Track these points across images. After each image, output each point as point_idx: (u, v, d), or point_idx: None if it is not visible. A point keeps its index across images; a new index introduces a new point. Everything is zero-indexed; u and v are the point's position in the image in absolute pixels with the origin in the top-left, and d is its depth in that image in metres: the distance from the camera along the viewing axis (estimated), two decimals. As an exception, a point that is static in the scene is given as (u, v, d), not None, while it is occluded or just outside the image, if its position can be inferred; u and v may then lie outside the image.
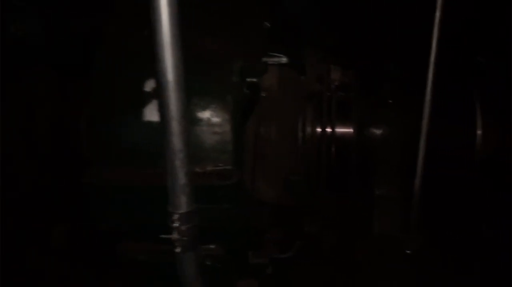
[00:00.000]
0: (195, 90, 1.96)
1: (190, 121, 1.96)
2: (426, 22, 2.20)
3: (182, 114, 1.62)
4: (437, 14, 2.16)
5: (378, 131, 2.57)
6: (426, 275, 2.59)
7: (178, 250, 1.78)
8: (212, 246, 2.13)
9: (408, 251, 2.55)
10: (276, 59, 2.12)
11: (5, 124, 2.06)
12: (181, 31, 1.55)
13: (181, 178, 1.69)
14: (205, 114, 1.97)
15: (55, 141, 2.26)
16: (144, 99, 1.96)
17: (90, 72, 2.06)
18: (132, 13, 2.05)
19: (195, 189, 1.91)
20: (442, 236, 2.65)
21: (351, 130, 2.44)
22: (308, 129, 2.26)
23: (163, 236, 1.80)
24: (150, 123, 1.94)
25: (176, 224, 1.75)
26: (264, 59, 2.09)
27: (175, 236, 1.75)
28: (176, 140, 1.64)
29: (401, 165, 2.58)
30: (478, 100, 2.64)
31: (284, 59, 2.14)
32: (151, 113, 1.98)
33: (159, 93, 1.60)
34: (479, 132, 2.55)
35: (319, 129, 2.28)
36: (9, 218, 2.10)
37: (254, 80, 2.00)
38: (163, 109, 1.61)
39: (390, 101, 2.58)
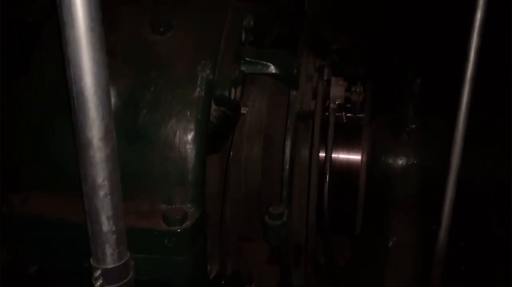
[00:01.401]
0: (145, 103, 1.55)
1: (138, 143, 1.55)
2: (463, 22, 1.70)
3: (104, 136, 1.22)
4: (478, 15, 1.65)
5: (395, 162, 2.07)
6: None
7: (103, 316, 1.36)
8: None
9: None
10: (259, 68, 1.67)
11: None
12: (101, 21, 1.14)
13: (104, 223, 1.29)
14: (158, 135, 1.55)
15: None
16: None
17: (28, 73, 1.68)
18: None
19: (140, 233, 1.51)
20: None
21: (357, 158, 1.95)
22: (297, 156, 1.79)
23: (82, 297, 1.40)
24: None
25: (99, 283, 1.34)
26: (242, 67, 1.64)
27: (97, 299, 1.34)
28: (95, 173, 1.23)
29: (423, 207, 2.06)
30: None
31: (270, 68, 1.68)
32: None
33: (70, 108, 1.18)
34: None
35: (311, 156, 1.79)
36: None
37: (225, 93, 1.56)
38: (76, 130, 1.19)
39: (413, 126, 2.07)
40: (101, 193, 1.25)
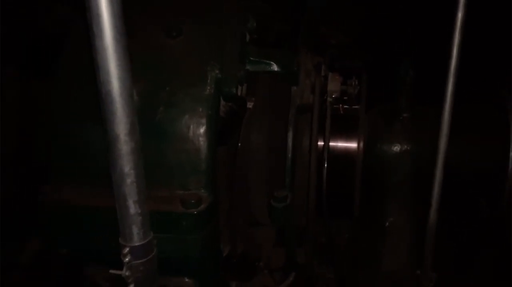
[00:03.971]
0: (162, 101, 1.75)
1: (156, 137, 1.75)
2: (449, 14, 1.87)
3: (129, 132, 1.41)
4: (459, 15, 1.83)
5: (389, 149, 2.25)
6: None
7: (131, 287, 1.57)
8: (185, 279, 1.90)
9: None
10: (262, 66, 1.86)
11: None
12: (129, 35, 1.33)
13: (131, 206, 1.49)
14: (174, 129, 1.75)
15: (21, 149, 2.12)
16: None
17: (55, 75, 1.88)
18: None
19: (160, 216, 1.72)
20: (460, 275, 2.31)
21: (353, 145, 2.14)
22: (299, 146, 1.98)
23: (113, 271, 1.60)
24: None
25: (127, 259, 1.54)
26: (247, 66, 1.83)
27: (125, 272, 1.54)
28: (123, 163, 1.43)
29: (415, 190, 2.24)
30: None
31: (272, 66, 1.87)
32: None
33: (100, 108, 1.38)
34: (512, 154, 2.18)
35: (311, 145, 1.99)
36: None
37: (233, 90, 1.75)
38: (106, 127, 1.39)
39: (406, 115, 2.25)
40: (128, 180, 1.45)
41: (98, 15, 1.29)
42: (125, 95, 1.38)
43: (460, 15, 1.84)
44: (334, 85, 2.01)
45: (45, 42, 2.09)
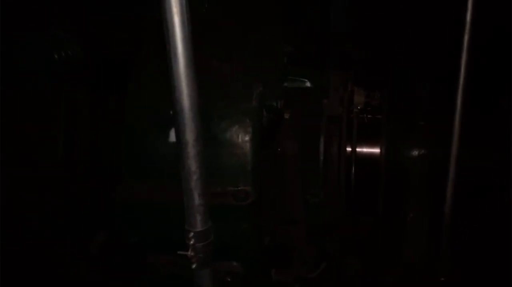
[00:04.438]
0: (216, 114, 2.11)
1: (212, 143, 2.12)
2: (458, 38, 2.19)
3: (196, 138, 1.78)
4: (466, 37, 2.16)
5: (408, 154, 2.58)
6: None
7: (194, 266, 1.93)
8: (233, 263, 2.25)
9: (442, 279, 2.53)
10: (297, 83, 2.22)
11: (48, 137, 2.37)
12: (195, 63, 1.71)
13: (196, 198, 1.85)
14: (226, 137, 2.11)
15: (93, 155, 2.53)
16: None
17: (126, 91, 2.26)
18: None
19: (214, 208, 2.08)
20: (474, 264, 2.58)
21: (377, 151, 2.48)
22: (329, 151, 2.34)
23: (180, 252, 1.97)
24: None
25: (191, 242, 1.91)
26: (286, 83, 2.20)
27: (190, 253, 1.91)
28: (191, 163, 1.80)
29: (432, 189, 2.56)
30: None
31: (306, 83, 2.23)
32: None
33: (175, 120, 1.76)
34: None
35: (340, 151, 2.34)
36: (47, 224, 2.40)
37: (273, 104, 2.11)
38: (178, 134, 1.77)
39: (422, 123, 2.58)
40: (195, 177, 1.81)
41: (175, 48, 1.68)
42: (194, 109, 1.76)
43: (466, 37, 2.17)
44: (359, 98, 2.36)
45: (115, 62, 2.49)
